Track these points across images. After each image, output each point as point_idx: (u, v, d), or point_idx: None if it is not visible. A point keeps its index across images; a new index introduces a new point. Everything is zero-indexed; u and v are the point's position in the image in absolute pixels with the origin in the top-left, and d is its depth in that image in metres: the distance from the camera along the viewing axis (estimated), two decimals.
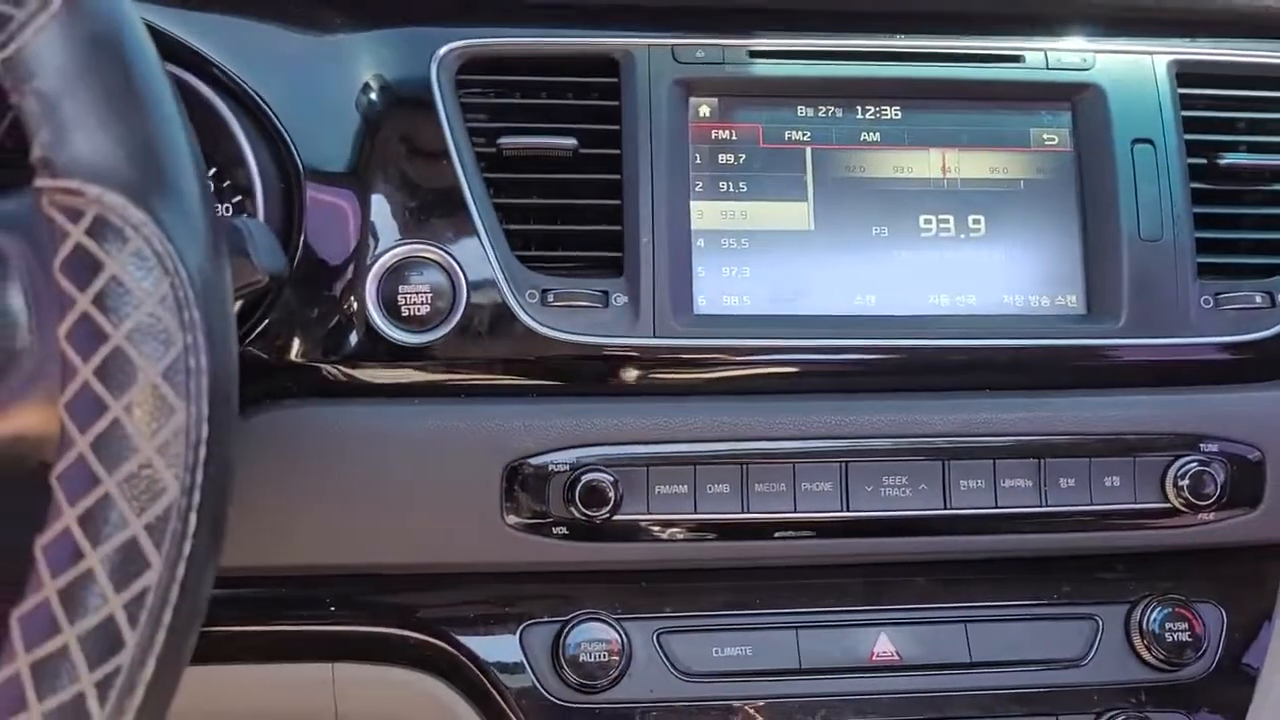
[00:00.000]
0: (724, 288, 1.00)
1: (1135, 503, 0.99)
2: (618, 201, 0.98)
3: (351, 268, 0.94)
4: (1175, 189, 1.02)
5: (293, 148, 0.92)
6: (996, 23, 1.05)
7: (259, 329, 0.92)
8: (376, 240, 0.95)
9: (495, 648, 0.97)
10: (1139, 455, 0.99)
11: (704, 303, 0.99)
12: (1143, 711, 0.99)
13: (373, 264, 0.94)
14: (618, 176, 0.98)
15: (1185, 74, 1.05)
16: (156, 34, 0.86)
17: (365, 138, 0.95)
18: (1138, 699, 1.00)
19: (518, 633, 0.97)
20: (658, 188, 0.98)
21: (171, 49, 0.90)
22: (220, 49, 0.92)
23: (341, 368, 0.95)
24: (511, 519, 0.95)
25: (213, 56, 0.92)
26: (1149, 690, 1.01)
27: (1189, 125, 1.04)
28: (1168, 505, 0.99)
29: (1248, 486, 1.01)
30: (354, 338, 0.94)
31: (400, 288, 0.94)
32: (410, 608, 0.98)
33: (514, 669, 0.97)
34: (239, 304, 0.88)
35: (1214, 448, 1.00)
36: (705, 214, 1.00)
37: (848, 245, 1.01)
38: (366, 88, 0.96)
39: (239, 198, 0.93)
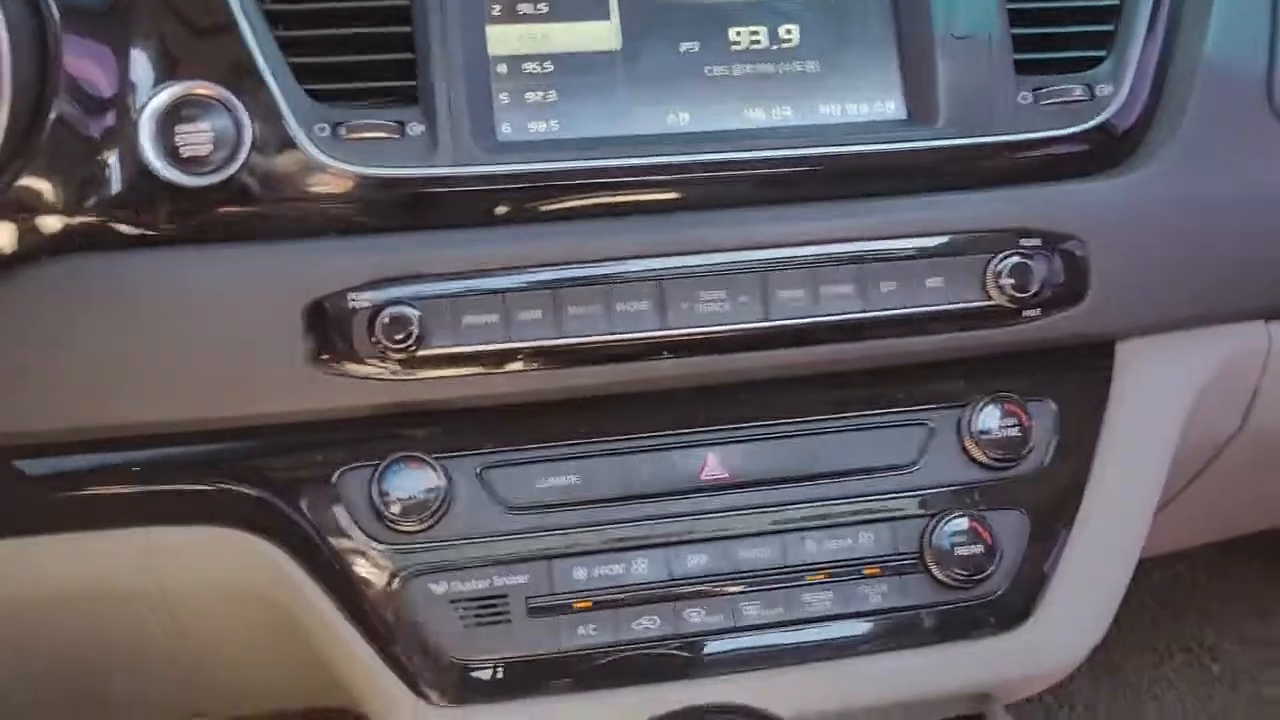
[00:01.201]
0: (529, 114, 0.95)
1: (958, 302, 0.98)
2: (408, 28, 0.93)
3: (122, 109, 0.88)
4: None
5: None
6: None
7: (23, 179, 0.86)
8: (149, 79, 0.89)
9: (313, 497, 0.94)
10: (960, 255, 0.98)
11: (508, 130, 0.95)
12: (978, 509, 0.99)
13: (144, 106, 0.88)
14: (407, 2, 0.93)
15: None
16: None
17: None
18: (972, 498, 1.00)
19: (334, 479, 0.94)
20: (450, 11, 0.93)
21: None
22: None
23: (123, 215, 0.89)
24: (316, 362, 0.91)
25: None
26: (983, 489, 1.01)
27: None
28: (991, 303, 0.98)
29: (1071, 281, 1.00)
30: (132, 184, 0.89)
31: (178, 128, 0.88)
32: (218, 462, 0.94)
33: (332, 516, 0.93)
34: None
35: (1035, 242, 0.99)
36: (504, 38, 0.96)
37: (657, 64, 0.97)
38: None
39: None
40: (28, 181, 0.86)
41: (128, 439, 0.93)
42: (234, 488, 0.94)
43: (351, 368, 0.91)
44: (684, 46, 0.98)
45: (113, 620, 1.03)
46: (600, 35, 0.97)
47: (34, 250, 0.88)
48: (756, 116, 0.98)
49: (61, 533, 0.94)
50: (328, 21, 0.93)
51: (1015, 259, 0.97)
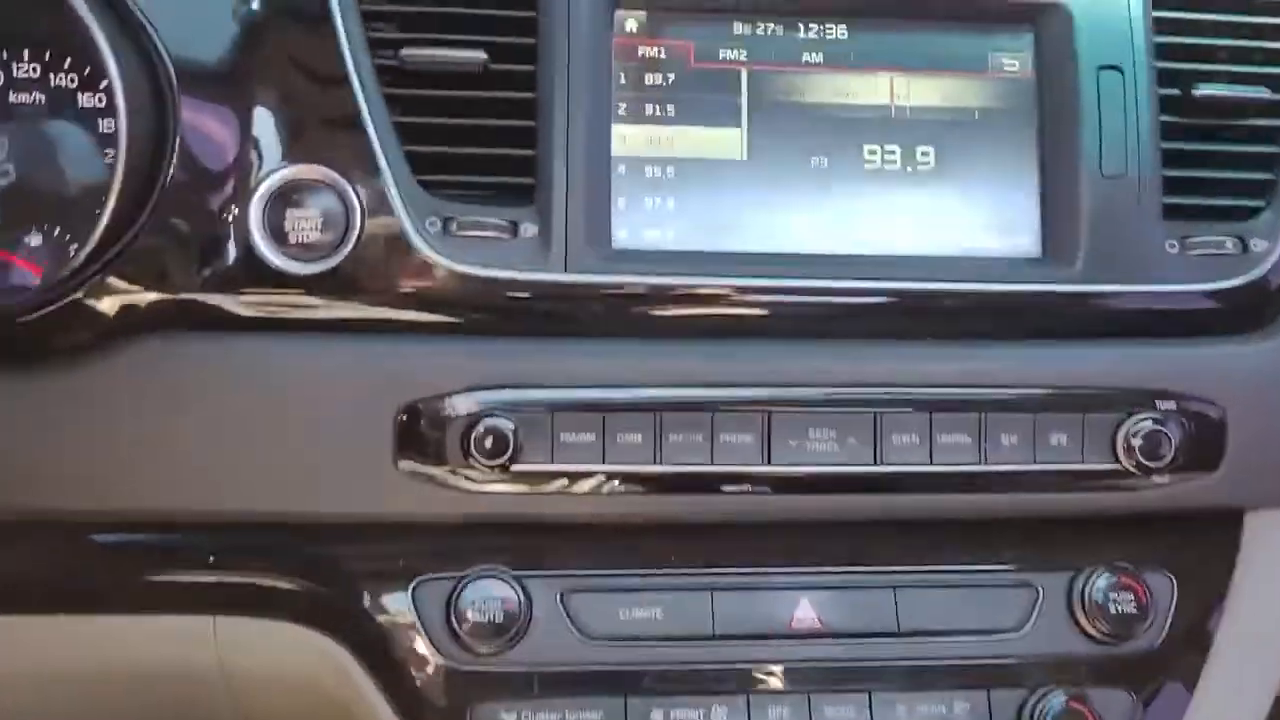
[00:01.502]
0: (646, 220, 0.91)
1: (1082, 463, 0.92)
2: (531, 123, 0.90)
3: (234, 189, 0.86)
4: (1143, 121, 0.94)
5: (163, 53, 0.83)
6: None
7: (128, 253, 0.84)
8: (262, 160, 0.87)
9: (386, 603, 0.90)
10: (1089, 412, 0.92)
11: (624, 236, 0.91)
12: (1081, 687, 0.93)
13: (257, 186, 0.86)
14: (531, 95, 0.90)
15: None
16: None
17: (249, 44, 0.87)
18: (1076, 674, 0.93)
19: (410, 588, 0.90)
20: (575, 108, 0.89)
21: None
22: None
23: (223, 296, 0.87)
24: (404, 465, 0.88)
25: None
26: (1089, 665, 0.94)
27: (1162, 52, 0.96)
28: (1118, 467, 0.92)
29: (1207, 448, 0.93)
30: (237, 265, 0.86)
31: (288, 212, 0.86)
32: (295, 558, 0.91)
33: (406, 627, 0.90)
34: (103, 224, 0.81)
35: (1171, 405, 0.92)
36: (628, 139, 0.92)
37: (783, 177, 0.93)
38: None
39: (101, 106, 0.84)
40: (134, 254, 0.84)
41: (208, 525, 0.90)
42: (308, 584, 0.91)
43: (440, 476, 0.88)
44: (814, 161, 0.93)
45: (174, 700, 1.01)
46: (727, 143, 0.93)
47: (133, 324, 0.86)
48: (882, 242, 0.93)
49: (134, 614, 0.92)
50: (450, 111, 0.90)
51: (1149, 423, 0.91)
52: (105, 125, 0.85)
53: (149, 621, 0.92)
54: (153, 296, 0.86)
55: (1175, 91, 0.95)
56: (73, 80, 0.86)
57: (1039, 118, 0.94)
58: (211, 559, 0.91)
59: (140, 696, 0.99)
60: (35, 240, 0.84)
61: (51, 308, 0.82)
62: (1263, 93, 0.96)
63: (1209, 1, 0.97)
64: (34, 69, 0.87)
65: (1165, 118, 0.95)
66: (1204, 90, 0.95)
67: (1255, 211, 0.96)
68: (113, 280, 0.84)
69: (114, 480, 0.87)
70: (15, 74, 0.87)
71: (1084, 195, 0.92)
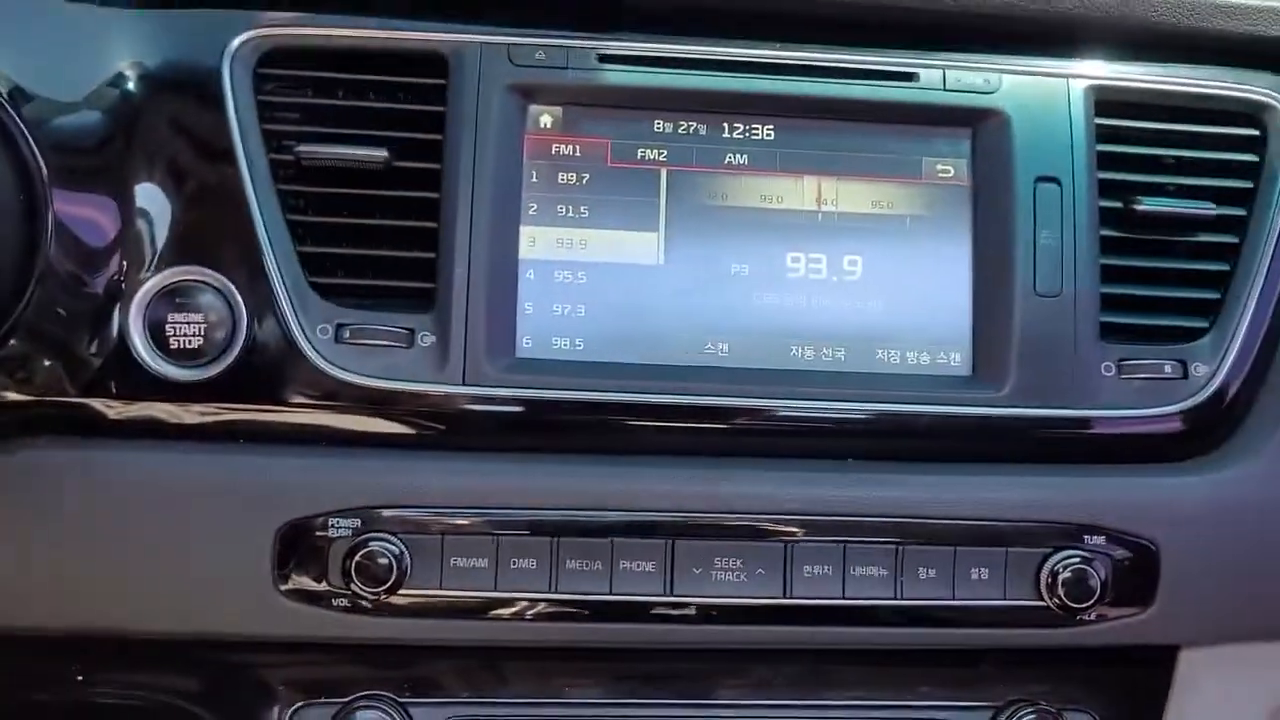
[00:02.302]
0: (553, 327, 0.87)
1: (1004, 599, 0.87)
2: (433, 224, 0.85)
3: (112, 290, 0.82)
4: (1081, 236, 0.89)
5: (30, 144, 0.78)
6: (890, 35, 0.91)
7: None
8: (143, 259, 0.82)
9: None
10: (1012, 546, 0.87)
11: (528, 344, 0.87)
12: None
13: (138, 287, 0.82)
14: (435, 195, 0.86)
15: (1104, 102, 0.92)
16: None
17: (129, 136, 0.83)
18: None
19: (289, 714, 0.86)
20: (481, 209, 0.85)
21: None
22: None
23: (100, 402, 0.83)
24: (285, 587, 0.83)
25: None
26: None
27: (1104, 161, 0.91)
28: (1041, 604, 0.87)
29: (1137, 585, 0.89)
30: (115, 369, 0.82)
31: (170, 316, 0.82)
32: (168, 679, 0.87)
33: None
34: None
35: (1100, 540, 0.88)
36: (537, 241, 0.87)
37: (702, 284, 0.88)
38: (127, 78, 0.83)
39: None
40: (5, 356, 0.79)
41: (76, 642, 0.85)
42: (181, 709, 0.87)
43: (323, 598, 0.83)
44: (734, 268, 0.89)
45: None
46: (643, 246, 0.89)
47: (2, 430, 0.81)
48: (804, 356, 0.88)
49: None
50: (348, 209, 0.85)
51: (1076, 561, 0.86)
52: None
53: None
54: (22, 399, 0.81)
55: (1117, 204, 0.91)
56: None
57: (973, 228, 0.90)
58: (79, 678, 0.86)
59: None
60: None
61: None
62: (1209, 207, 0.92)
63: (1154, 109, 0.93)
64: None
65: (1106, 232, 0.91)
66: (1147, 205, 0.91)
67: (1197, 333, 0.91)
68: None
69: None
70: None
71: (1016, 313, 0.88)
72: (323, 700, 0.86)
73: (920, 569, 0.86)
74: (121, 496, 0.83)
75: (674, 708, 0.89)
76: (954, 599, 0.86)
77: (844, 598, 0.86)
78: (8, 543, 0.82)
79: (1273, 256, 0.92)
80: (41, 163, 0.79)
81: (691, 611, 0.85)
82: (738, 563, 0.85)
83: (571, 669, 0.89)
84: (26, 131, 0.78)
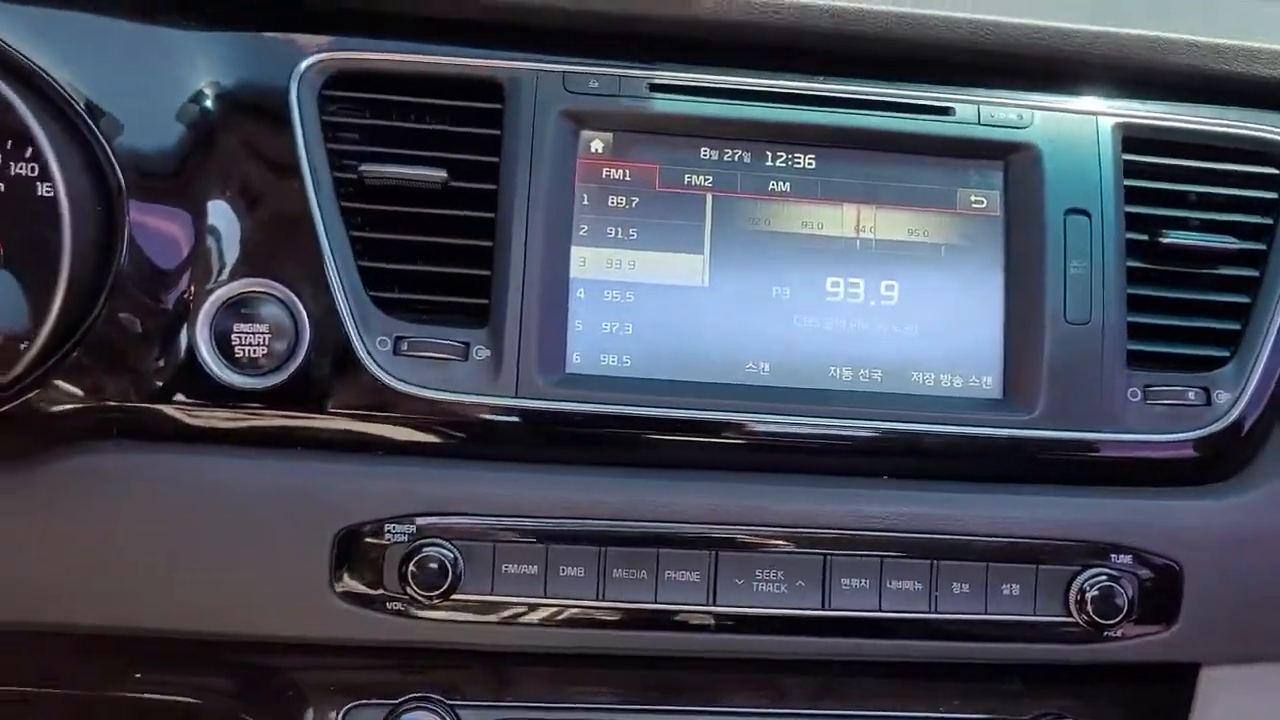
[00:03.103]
0: (602, 344, 0.90)
1: (1035, 615, 0.90)
2: (489, 243, 0.89)
3: (181, 299, 0.85)
4: (1109, 267, 0.93)
5: (111, 158, 0.82)
6: (927, 70, 0.95)
7: (70, 361, 0.82)
8: (212, 270, 0.86)
9: None
10: (1043, 563, 0.90)
11: (578, 360, 0.90)
12: None
13: (205, 297, 0.85)
14: (491, 215, 0.89)
15: (1131, 139, 0.96)
16: None
17: (204, 153, 0.86)
18: None
19: (340, 713, 0.88)
20: (534, 229, 0.88)
21: None
22: (26, 38, 0.80)
23: (165, 408, 0.86)
24: (341, 590, 0.86)
25: (15, 46, 0.80)
26: None
27: (1131, 196, 0.95)
28: (1070, 620, 0.90)
29: (1162, 603, 0.92)
30: (181, 376, 0.85)
31: (235, 326, 0.85)
32: (224, 679, 0.90)
33: None
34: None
35: (1127, 559, 0.91)
36: (588, 261, 0.91)
37: (744, 306, 0.92)
38: (206, 96, 0.86)
39: (47, 210, 0.82)
40: (77, 362, 0.82)
41: (135, 641, 0.88)
42: (236, 707, 0.89)
43: (378, 601, 0.86)
44: (776, 291, 0.92)
45: None
46: (689, 268, 0.92)
47: (71, 433, 0.85)
48: (842, 377, 0.92)
49: None
50: (407, 227, 0.89)
51: (1104, 579, 0.90)
52: (39, 207, 0.82)
53: None
54: (92, 405, 0.84)
55: (1143, 237, 0.95)
56: (31, 169, 0.84)
57: (1005, 257, 0.94)
58: (138, 675, 0.89)
59: None
60: None
61: None
62: (1231, 241, 0.96)
63: (1179, 146, 0.97)
64: None
65: (1132, 263, 0.94)
66: (1172, 238, 0.94)
67: (1220, 362, 0.95)
68: (53, 389, 0.82)
69: (39, 593, 0.85)
70: None
71: (1047, 340, 0.91)
72: (374, 701, 0.88)
73: (954, 584, 0.89)
74: (183, 500, 0.86)
75: (714, 716, 0.92)
76: (987, 614, 0.89)
77: (881, 610, 0.89)
78: (73, 543, 0.85)
79: None
80: (120, 176, 0.82)
81: (733, 621, 0.88)
82: (778, 574, 0.88)
83: (616, 677, 0.92)
84: (106, 145, 0.82)
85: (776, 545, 0.88)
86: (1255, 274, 0.96)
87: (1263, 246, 0.96)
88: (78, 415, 0.84)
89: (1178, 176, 0.97)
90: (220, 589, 0.86)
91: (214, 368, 0.85)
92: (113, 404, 0.84)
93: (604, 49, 0.92)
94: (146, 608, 0.86)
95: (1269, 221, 0.97)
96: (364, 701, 0.89)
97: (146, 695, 0.89)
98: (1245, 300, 0.96)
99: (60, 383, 0.82)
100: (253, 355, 0.85)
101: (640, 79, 0.91)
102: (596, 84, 0.91)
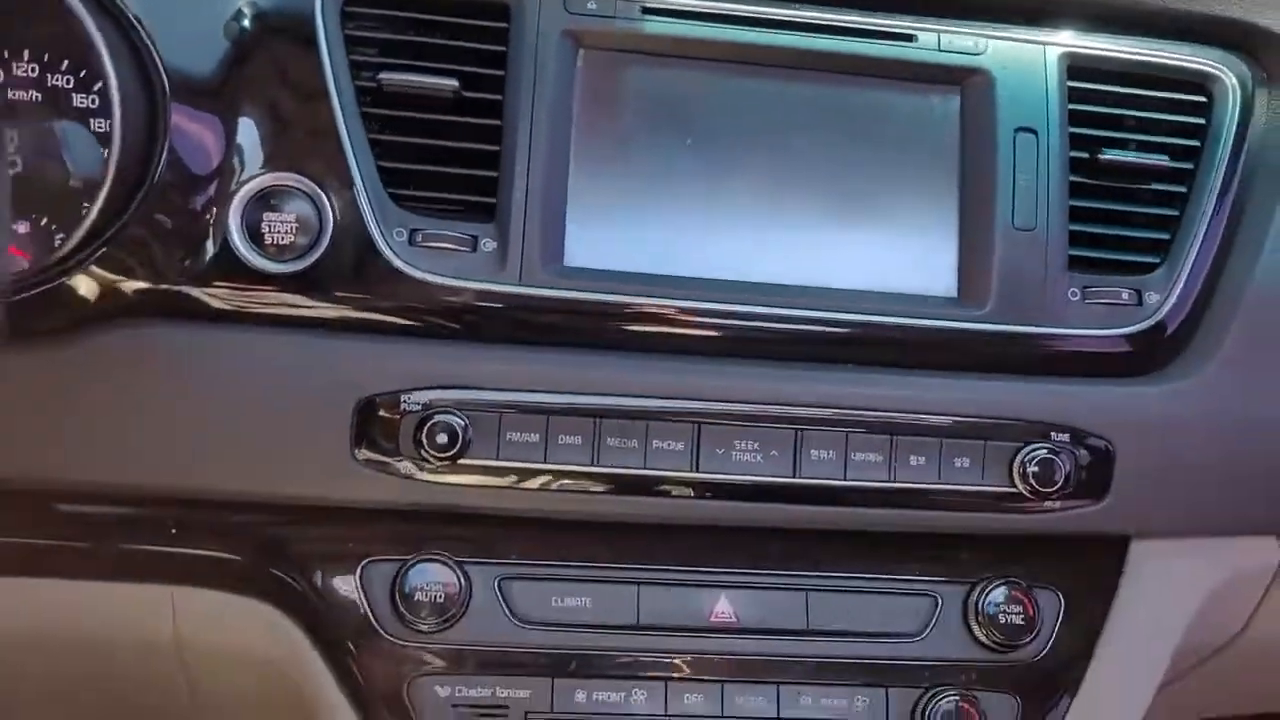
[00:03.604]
0: (597, 242, 0.99)
1: (982, 485, 1.00)
2: (495, 147, 0.97)
3: (216, 191, 0.93)
4: (1054, 180, 1.03)
5: (159, 63, 0.90)
6: (892, 1, 1.04)
7: (112, 244, 0.90)
8: (244, 166, 0.94)
9: (336, 582, 0.98)
10: (990, 440, 1.01)
11: (575, 255, 0.99)
12: (971, 690, 1.01)
13: (238, 189, 0.93)
14: (497, 122, 0.98)
15: (1076, 67, 1.06)
16: None
17: (238, 61, 0.94)
18: (968, 677, 1.02)
19: (358, 569, 0.98)
20: (538, 136, 0.97)
21: None
22: None
23: (200, 290, 0.94)
24: (361, 454, 0.95)
25: None
26: (980, 670, 1.03)
27: (1075, 118, 1.05)
28: (1014, 490, 1.01)
29: (1095, 478, 1.03)
30: (215, 262, 0.93)
31: (265, 215, 0.93)
32: (252, 536, 0.98)
33: (352, 605, 0.97)
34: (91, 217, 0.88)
35: (1064, 438, 1.01)
36: (585, 165, 0.99)
37: (728, 210, 1.01)
38: (243, 14, 0.94)
39: (95, 107, 0.91)
40: (118, 246, 0.90)
41: (171, 500, 0.97)
42: (262, 561, 0.98)
43: (394, 465, 0.95)
44: (754, 197, 1.01)
45: (132, 671, 1.07)
46: (674, 174, 1.01)
47: (110, 311, 0.93)
48: (815, 275, 1.01)
49: (96, 580, 0.98)
50: (421, 131, 0.97)
51: (1043, 453, 1.00)
52: (98, 125, 0.91)
53: (110, 589, 0.98)
54: (131, 286, 0.92)
55: (1084, 154, 1.05)
56: (69, 81, 0.93)
57: (960, 170, 1.03)
58: (173, 530, 0.97)
59: (99, 665, 1.04)
60: (23, 228, 0.90)
61: (34, 292, 0.88)
62: (1163, 160, 1.06)
63: (1119, 75, 1.07)
64: (32, 69, 0.93)
65: (1074, 178, 1.04)
66: (1110, 155, 1.05)
67: (1151, 267, 1.06)
68: (95, 270, 0.90)
69: (83, 454, 0.94)
70: (14, 72, 0.93)
71: (997, 244, 1.01)
72: (389, 557, 0.98)
73: (911, 457, 0.99)
74: (216, 373, 0.94)
75: (691, 573, 1.02)
76: (940, 483, 1.00)
77: (845, 480, 0.99)
78: (116, 411, 0.93)
79: (1215, 204, 1.06)
80: (165, 80, 0.91)
81: (713, 490, 0.98)
82: (754, 445, 0.98)
83: (607, 541, 1.01)
84: (155, 52, 0.90)
85: (753, 420, 0.98)
86: (1183, 190, 1.07)
87: (1190, 166, 1.07)
88: (117, 295, 0.92)
89: (1117, 101, 1.07)
90: (250, 455, 0.95)
91: (245, 253, 0.93)
92: (150, 286, 0.93)
93: None
94: (181, 470, 0.94)
95: (1196, 144, 1.08)
96: (380, 557, 0.98)
97: (181, 550, 0.98)
98: (1174, 213, 1.07)
99: (100, 266, 0.90)
100: (281, 243, 0.93)
101: (633, 3, 1.00)
102: (594, 6, 1.00)
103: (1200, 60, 1.09)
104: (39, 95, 0.92)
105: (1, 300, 0.89)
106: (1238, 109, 1.08)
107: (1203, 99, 1.09)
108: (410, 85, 0.97)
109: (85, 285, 0.91)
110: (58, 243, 0.88)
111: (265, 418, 0.94)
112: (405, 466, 0.95)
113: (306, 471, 0.95)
